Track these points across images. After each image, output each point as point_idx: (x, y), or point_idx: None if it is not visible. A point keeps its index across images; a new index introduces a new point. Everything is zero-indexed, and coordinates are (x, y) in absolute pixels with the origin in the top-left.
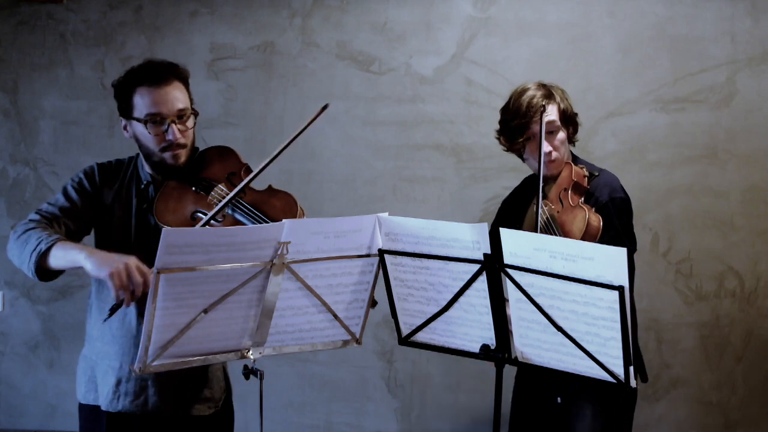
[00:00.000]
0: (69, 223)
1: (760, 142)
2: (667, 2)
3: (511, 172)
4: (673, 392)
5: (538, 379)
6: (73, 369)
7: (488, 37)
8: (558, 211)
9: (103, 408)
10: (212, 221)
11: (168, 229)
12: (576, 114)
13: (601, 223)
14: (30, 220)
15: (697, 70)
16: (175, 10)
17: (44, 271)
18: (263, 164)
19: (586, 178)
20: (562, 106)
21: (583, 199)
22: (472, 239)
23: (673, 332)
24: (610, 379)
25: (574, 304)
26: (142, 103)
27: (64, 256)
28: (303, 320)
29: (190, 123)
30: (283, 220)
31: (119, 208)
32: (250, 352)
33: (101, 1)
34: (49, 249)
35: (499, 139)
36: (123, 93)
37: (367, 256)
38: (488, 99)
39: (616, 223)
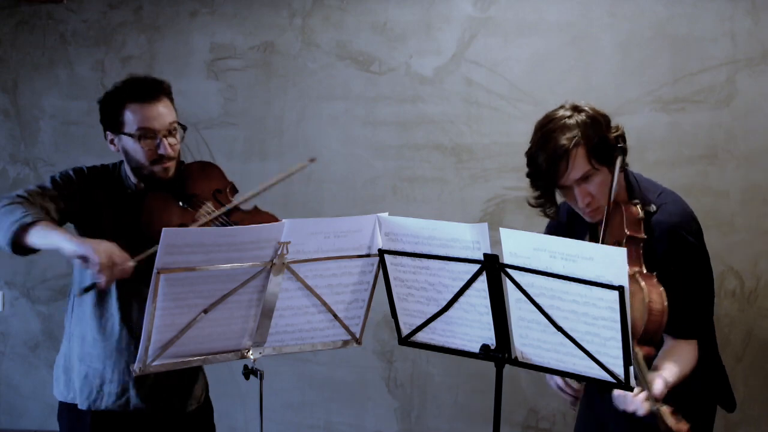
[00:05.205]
0: (49, 208)
1: (760, 142)
2: (667, 2)
3: (512, 172)
4: None
5: (601, 403)
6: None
7: (488, 37)
8: None
9: (81, 407)
10: None
11: (168, 230)
12: (619, 138)
13: (665, 298)
14: (16, 195)
15: (697, 70)
16: (175, 10)
17: (18, 245)
18: (246, 196)
19: (642, 222)
20: (594, 141)
21: (641, 250)
22: (472, 239)
23: None
24: (610, 379)
25: (574, 304)
26: (133, 119)
27: (45, 235)
28: (303, 320)
29: (178, 137)
30: (283, 220)
31: (108, 212)
32: (250, 352)
33: (101, 1)
34: (32, 224)
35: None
36: (111, 108)
37: (367, 256)
38: (488, 99)
39: (684, 275)
